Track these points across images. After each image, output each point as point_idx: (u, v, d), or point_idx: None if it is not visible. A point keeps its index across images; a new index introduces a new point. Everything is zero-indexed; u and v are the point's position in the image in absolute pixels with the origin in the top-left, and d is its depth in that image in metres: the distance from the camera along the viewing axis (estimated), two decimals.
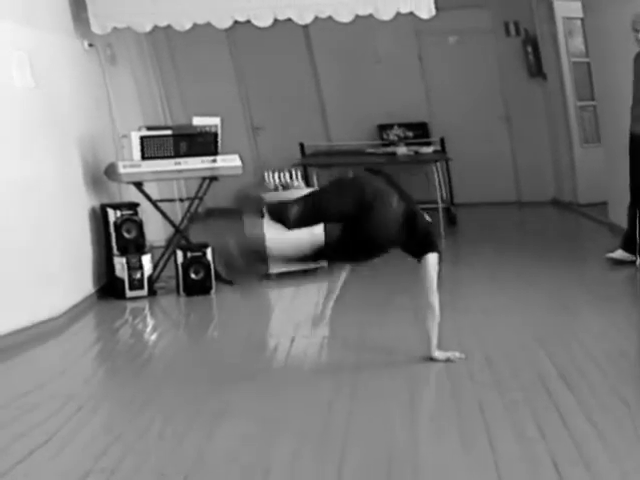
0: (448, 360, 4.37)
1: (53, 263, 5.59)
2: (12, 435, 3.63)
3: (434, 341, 4.38)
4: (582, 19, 9.03)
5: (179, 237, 6.78)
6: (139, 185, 6.48)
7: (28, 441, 3.58)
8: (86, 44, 6.97)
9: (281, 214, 4.30)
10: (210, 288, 6.43)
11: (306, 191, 7.00)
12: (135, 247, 6.37)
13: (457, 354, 4.42)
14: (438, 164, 9.12)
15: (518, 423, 3.59)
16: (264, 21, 6.69)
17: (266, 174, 7.02)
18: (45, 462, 3.39)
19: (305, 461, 3.34)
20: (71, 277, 5.90)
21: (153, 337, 5.56)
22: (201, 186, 6.77)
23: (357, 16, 6.67)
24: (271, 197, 4.62)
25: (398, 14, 6.63)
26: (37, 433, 3.67)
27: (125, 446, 3.51)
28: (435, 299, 4.31)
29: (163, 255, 6.75)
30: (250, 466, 3.32)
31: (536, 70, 10.14)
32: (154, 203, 6.66)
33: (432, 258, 4.32)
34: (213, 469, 3.31)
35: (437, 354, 4.39)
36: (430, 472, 3.23)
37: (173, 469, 3.29)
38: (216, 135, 6.58)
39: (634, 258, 6.67)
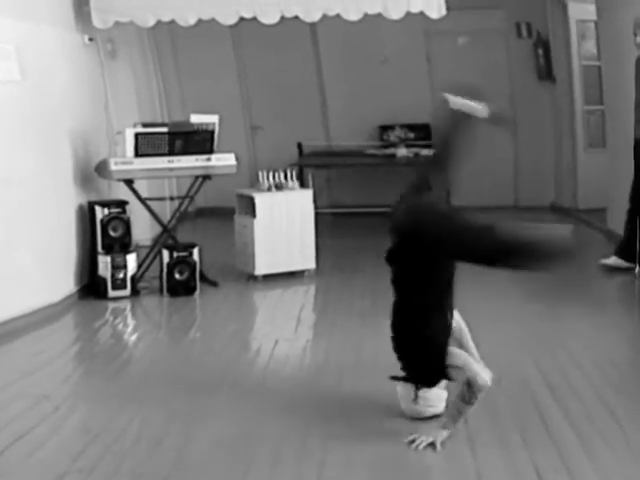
0: None
1: (34, 260, 5.66)
2: None
3: None
4: (596, 22, 9.10)
5: (166, 236, 6.82)
6: (130, 183, 6.53)
7: (2, 439, 3.66)
8: (86, 38, 7.04)
9: None
10: (194, 289, 6.49)
11: (301, 192, 7.09)
12: (120, 246, 6.42)
13: None
14: None
15: (501, 430, 3.68)
16: (271, 18, 6.74)
17: (260, 174, 7.08)
18: (21, 460, 3.48)
19: (285, 463, 3.43)
20: (52, 275, 5.95)
21: (133, 338, 5.62)
22: (193, 185, 6.84)
23: (366, 15, 6.72)
24: None
25: (408, 13, 6.67)
26: (9, 432, 3.75)
27: (103, 447, 3.58)
28: None
29: (149, 254, 6.80)
30: (229, 468, 3.41)
31: (545, 73, 10.22)
32: (143, 201, 6.70)
33: None
34: (191, 471, 3.40)
35: None
36: (411, 478, 3.33)
37: (151, 470, 3.38)
38: (213, 133, 6.63)
39: (633, 265, 6.75)
